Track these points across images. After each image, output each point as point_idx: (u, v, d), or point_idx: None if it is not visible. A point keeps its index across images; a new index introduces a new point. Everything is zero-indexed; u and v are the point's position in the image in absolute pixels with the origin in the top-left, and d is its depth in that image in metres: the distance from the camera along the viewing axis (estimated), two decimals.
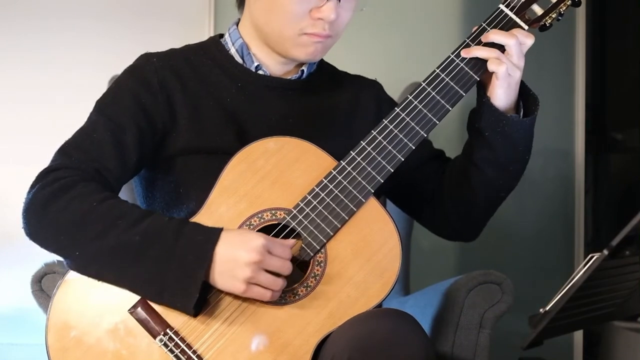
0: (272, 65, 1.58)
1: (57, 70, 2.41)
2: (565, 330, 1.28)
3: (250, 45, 1.58)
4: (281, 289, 1.35)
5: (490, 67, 1.46)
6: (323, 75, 1.64)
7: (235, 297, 1.37)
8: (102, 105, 1.51)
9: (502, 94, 1.49)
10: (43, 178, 1.41)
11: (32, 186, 1.41)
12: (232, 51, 1.59)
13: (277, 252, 1.34)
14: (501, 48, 1.47)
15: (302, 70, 1.59)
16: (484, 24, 1.50)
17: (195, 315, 1.36)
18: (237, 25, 1.61)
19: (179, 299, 1.33)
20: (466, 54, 1.47)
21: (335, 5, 1.47)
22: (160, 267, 1.33)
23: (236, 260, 1.33)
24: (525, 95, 1.53)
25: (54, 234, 1.37)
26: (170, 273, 1.32)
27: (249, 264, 1.32)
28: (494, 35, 1.46)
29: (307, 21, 1.48)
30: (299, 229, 1.41)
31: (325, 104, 1.61)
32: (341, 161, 1.44)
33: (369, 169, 1.43)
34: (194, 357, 1.35)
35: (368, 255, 1.41)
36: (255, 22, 1.55)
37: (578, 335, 2.59)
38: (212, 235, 1.34)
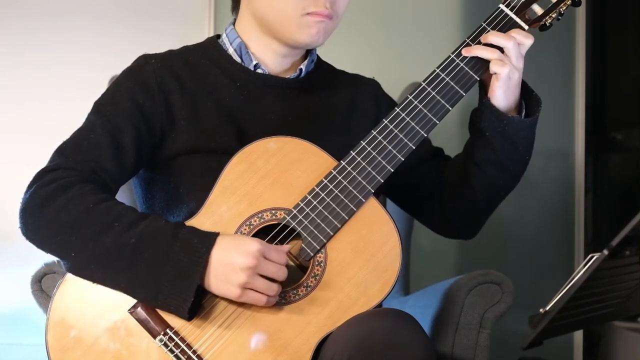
0: (270, 62, 1.58)
1: (57, 70, 2.41)
2: (565, 330, 1.28)
3: (249, 43, 1.58)
4: (276, 294, 1.35)
5: (493, 68, 1.46)
6: (321, 74, 1.64)
7: None
8: (100, 106, 1.51)
9: (501, 95, 1.49)
10: (40, 178, 1.41)
11: (29, 186, 1.41)
12: (230, 51, 1.59)
13: (273, 257, 1.34)
14: (500, 49, 1.47)
15: (301, 69, 1.60)
16: (484, 24, 1.50)
17: (189, 319, 1.36)
18: (234, 25, 1.61)
19: (173, 302, 1.33)
20: (467, 52, 1.47)
21: None
22: (155, 270, 1.33)
23: (231, 264, 1.32)
24: (528, 96, 1.53)
25: (50, 234, 1.37)
26: (165, 276, 1.32)
27: (244, 269, 1.32)
28: (492, 37, 1.47)
29: (309, 0, 1.49)
30: (299, 229, 1.41)
31: (324, 102, 1.61)
32: (341, 161, 1.44)
33: (369, 168, 1.43)
34: (193, 357, 1.35)
35: (368, 255, 1.41)
36: (255, 12, 1.55)
37: (578, 335, 2.58)
38: (208, 239, 1.34)
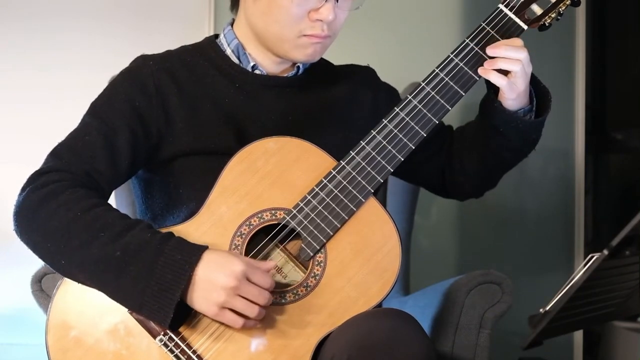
0: (268, 64, 1.58)
1: (57, 71, 2.40)
2: (565, 330, 1.28)
3: (246, 45, 1.58)
4: (257, 317, 1.34)
5: (504, 90, 1.49)
6: (318, 70, 1.63)
7: None
8: (96, 107, 1.51)
9: (512, 101, 1.52)
10: (34, 181, 1.40)
11: (23, 189, 1.41)
12: (228, 52, 1.59)
13: (257, 280, 1.33)
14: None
15: (298, 67, 1.60)
16: (483, 24, 1.50)
17: (173, 330, 1.35)
18: (232, 25, 1.61)
19: (155, 316, 1.33)
20: (489, 65, 1.46)
21: (333, 6, 1.48)
22: (139, 284, 1.32)
23: (212, 282, 1.32)
24: (536, 85, 1.56)
25: (41, 240, 1.37)
26: (149, 290, 1.31)
27: (225, 288, 1.31)
28: (507, 52, 1.46)
29: (306, 23, 1.49)
30: (299, 229, 1.41)
31: (323, 98, 1.61)
32: (341, 161, 1.44)
33: (369, 168, 1.43)
34: (193, 357, 1.35)
35: (368, 255, 1.41)
36: (252, 25, 1.55)
37: (578, 335, 2.58)
38: (193, 255, 1.33)
